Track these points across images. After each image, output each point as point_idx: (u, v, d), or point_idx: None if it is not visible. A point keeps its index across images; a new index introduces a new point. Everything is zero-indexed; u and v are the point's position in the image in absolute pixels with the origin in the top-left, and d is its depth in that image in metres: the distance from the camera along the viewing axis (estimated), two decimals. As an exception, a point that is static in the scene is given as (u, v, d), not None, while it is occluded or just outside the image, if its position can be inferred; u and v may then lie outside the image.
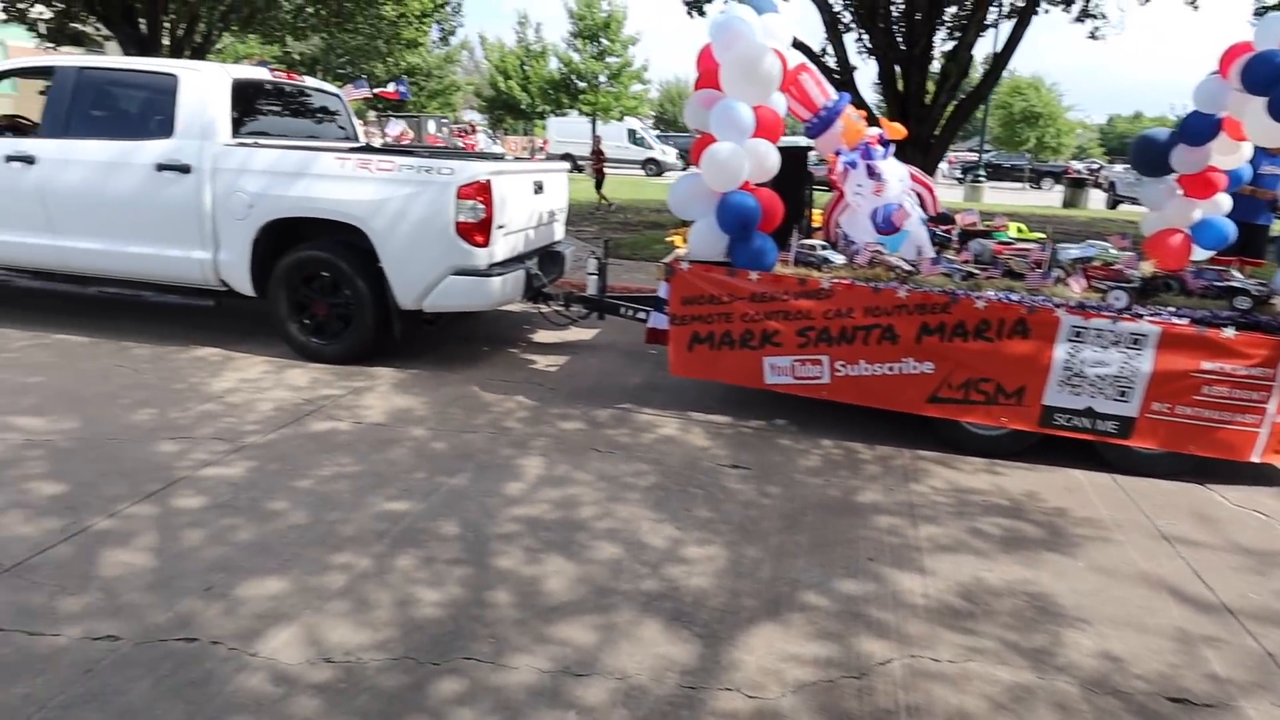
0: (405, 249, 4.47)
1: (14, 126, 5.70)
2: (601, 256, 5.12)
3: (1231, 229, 4.36)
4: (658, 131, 39.27)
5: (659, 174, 30.10)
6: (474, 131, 32.36)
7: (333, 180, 4.53)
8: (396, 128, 24.64)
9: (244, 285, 4.83)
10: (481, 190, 4.41)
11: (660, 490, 3.35)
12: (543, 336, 5.87)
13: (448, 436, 3.80)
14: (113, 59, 5.14)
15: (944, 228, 4.70)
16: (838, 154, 4.45)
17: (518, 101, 35.02)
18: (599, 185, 15.86)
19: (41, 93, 5.20)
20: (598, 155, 16.64)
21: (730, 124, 3.78)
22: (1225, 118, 3.87)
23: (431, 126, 28.94)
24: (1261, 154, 4.82)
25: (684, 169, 24.23)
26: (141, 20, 11.75)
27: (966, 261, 4.19)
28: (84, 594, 2.37)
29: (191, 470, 3.27)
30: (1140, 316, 3.56)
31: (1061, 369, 3.64)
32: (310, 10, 13.92)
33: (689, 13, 12.36)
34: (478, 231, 4.46)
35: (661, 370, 4.51)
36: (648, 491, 3.33)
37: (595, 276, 5.05)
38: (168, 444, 3.52)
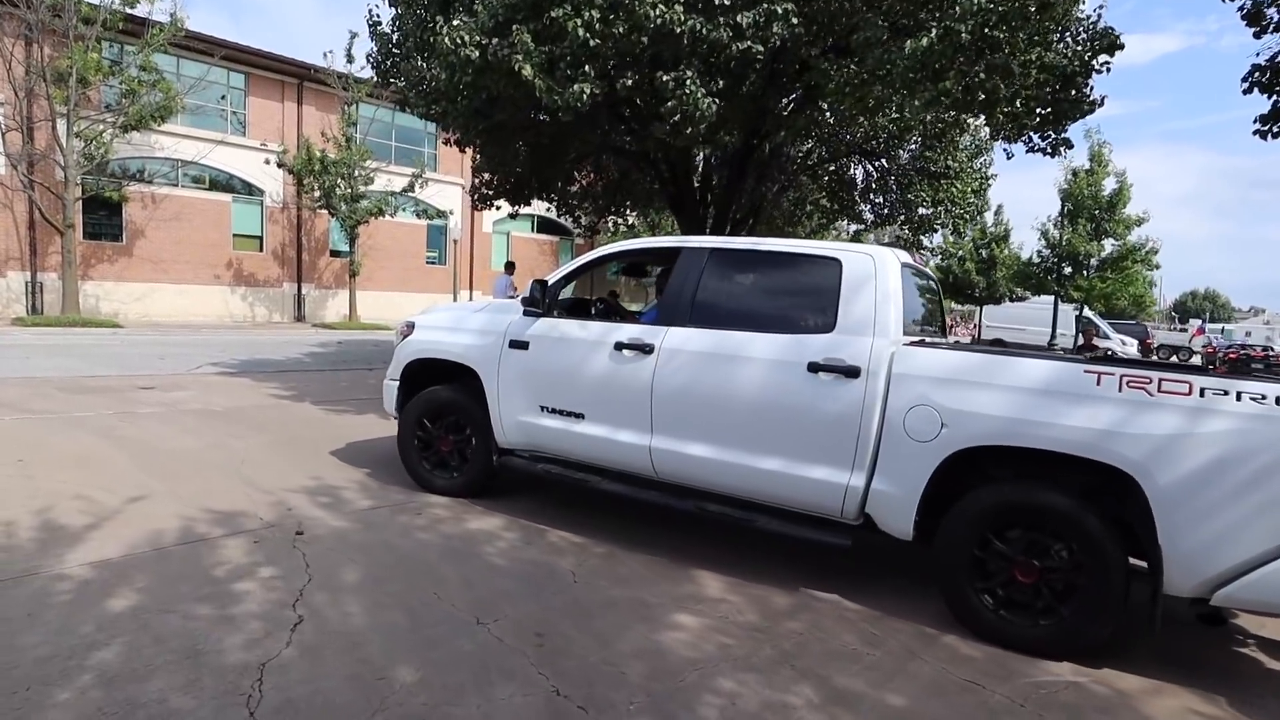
0: (1208, 511, 3.00)
1: (611, 309, 5.60)
2: None
3: None
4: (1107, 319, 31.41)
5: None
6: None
7: (1084, 402, 3.24)
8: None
9: (900, 525, 3.66)
10: None
11: None
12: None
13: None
14: (749, 241, 4.48)
15: None
16: None
17: (974, 285, 32.04)
18: None
19: (646, 275, 4.93)
20: (1088, 344, 14.17)
21: None
22: None
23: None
24: None
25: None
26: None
27: None
28: None
29: None
30: None
31: None
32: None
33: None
34: None
35: None
36: None
37: None
38: None
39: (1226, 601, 3.05)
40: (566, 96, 7.02)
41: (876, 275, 3.91)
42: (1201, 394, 3.06)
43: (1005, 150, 10.54)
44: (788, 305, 4.18)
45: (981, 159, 13.78)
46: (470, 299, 29.78)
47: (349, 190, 22.62)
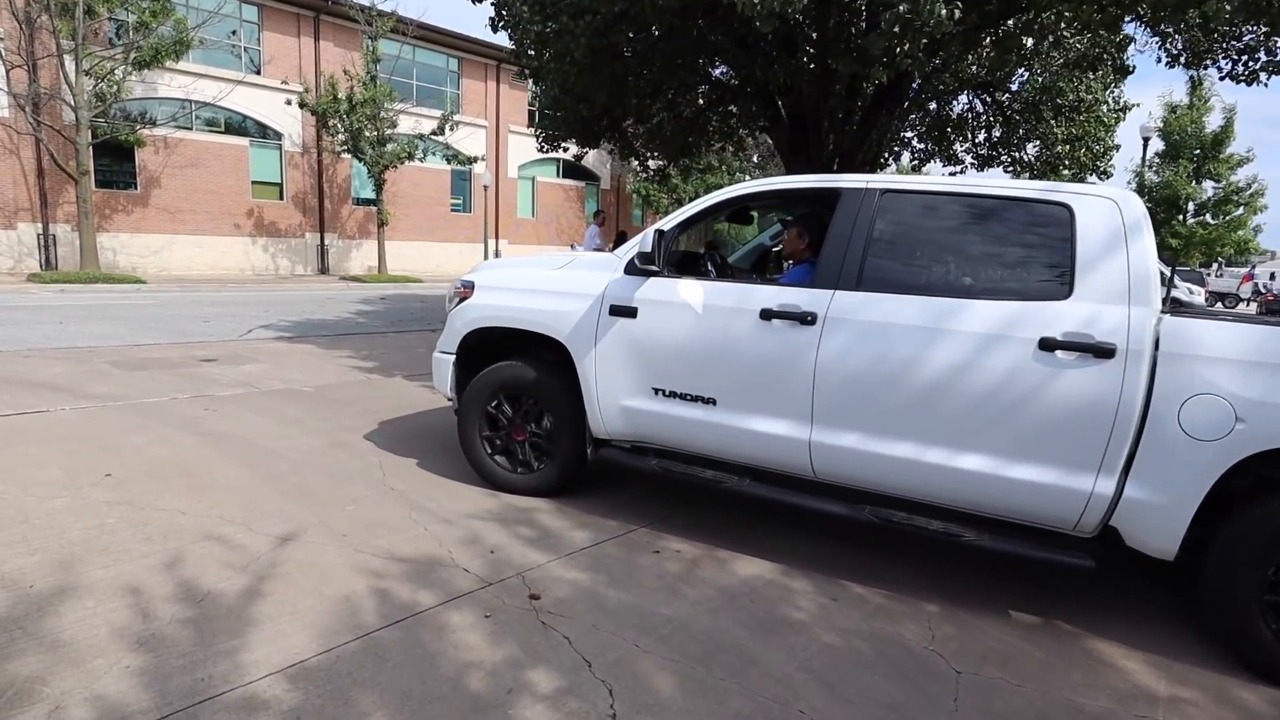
0: None
1: (725, 266, 4.47)
2: None
3: None
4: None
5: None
6: None
7: None
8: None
9: (1162, 543, 2.88)
10: None
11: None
12: None
13: None
14: (935, 180, 3.52)
15: None
16: None
17: None
18: None
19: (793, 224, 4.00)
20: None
21: None
22: None
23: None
24: None
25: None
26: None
27: None
28: None
29: None
30: None
31: None
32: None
33: None
34: None
35: None
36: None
37: None
38: None
39: None
40: (771, 2, 5.55)
41: (1126, 225, 3.01)
42: None
43: (1192, 76, 9.10)
44: (999, 264, 3.26)
45: (1115, 90, 12.18)
46: (496, 251, 28.35)
47: (376, 133, 20.95)
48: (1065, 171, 12.42)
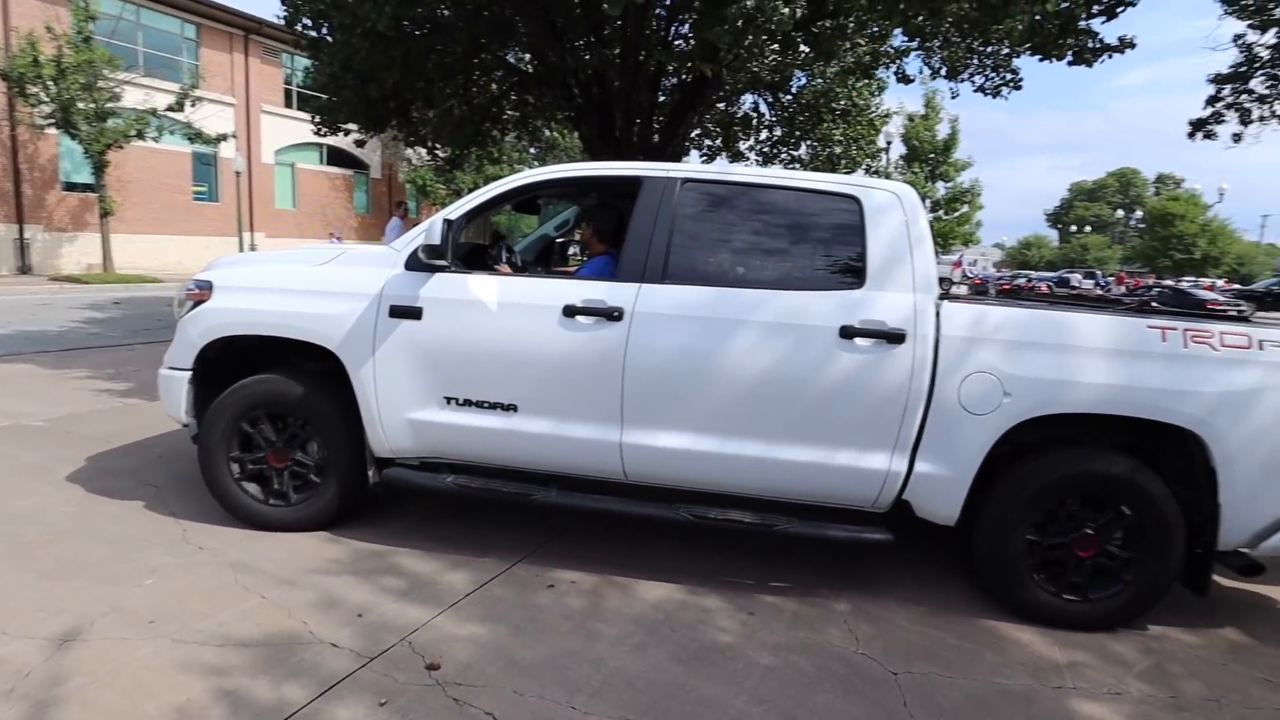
0: (1260, 465, 2.92)
1: (511, 258, 4.02)
2: None
3: None
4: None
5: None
6: None
7: (1150, 360, 2.96)
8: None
9: (946, 510, 3.11)
10: None
11: None
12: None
13: None
14: (734, 170, 3.53)
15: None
16: None
17: None
18: None
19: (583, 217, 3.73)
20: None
21: None
22: None
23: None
24: None
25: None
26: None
27: None
28: None
29: None
30: None
31: None
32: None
33: (1193, 135, 13.03)
34: None
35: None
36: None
37: None
38: None
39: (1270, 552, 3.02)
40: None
41: (907, 216, 3.22)
42: (1261, 346, 2.94)
43: (951, 89, 10.31)
44: (800, 255, 3.38)
45: (878, 98, 13.53)
46: (252, 244, 25.28)
47: (94, 105, 17.54)
48: (844, 170, 13.67)
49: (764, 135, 14.75)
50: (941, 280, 3.41)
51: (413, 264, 3.37)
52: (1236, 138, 12.58)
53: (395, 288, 3.37)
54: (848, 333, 3.05)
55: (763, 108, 13.88)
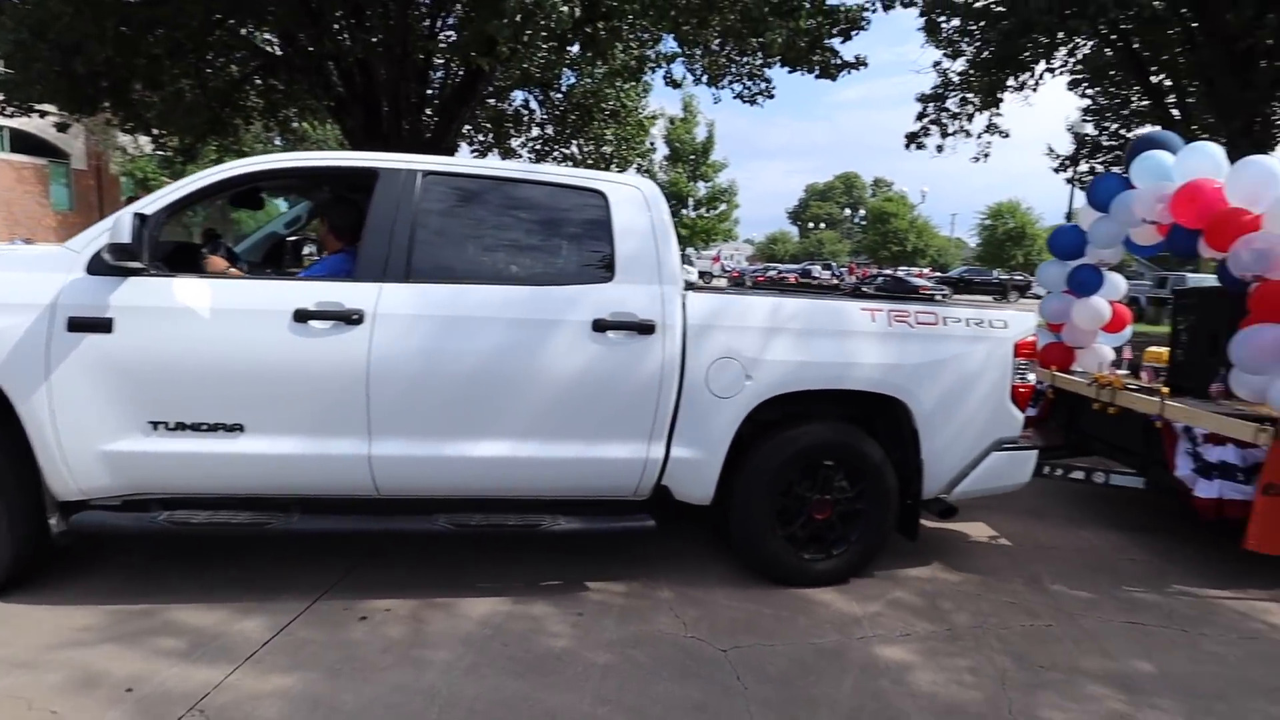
0: (950, 423, 3.45)
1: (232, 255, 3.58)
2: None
3: None
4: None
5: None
6: None
7: (864, 339, 3.35)
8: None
9: (702, 491, 3.31)
10: (1032, 346, 3.68)
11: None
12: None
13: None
14: (480, 164, 3.67)
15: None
16: None
17: None
18: None
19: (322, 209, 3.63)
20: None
21: None
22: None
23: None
24: None
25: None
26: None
27: None
28: None
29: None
30: None
31: None
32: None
33: (908, 146, 14.59)
34: (1024, 397, 3.66)
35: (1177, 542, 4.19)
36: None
37: None
38: None
39: (963, 494, 3.57)
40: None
41: (650, 209, 3.36)
42: (949, 324, 3.48)
43: (714, 95, 10.98)
44: (550, 249, 3.43)
45: (644, 100, 14.07)
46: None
47: None
48: (615, 169, 14.09)
49: (535, 133, 14.77)
50: (703, 274, 3.68)
51: (97, 267, 2.85)
52: (939, 148, 14.91)
53: (74, 296, 2.83)
54: (600, 326, 3.10)
55: (534, 105, 13.87)
